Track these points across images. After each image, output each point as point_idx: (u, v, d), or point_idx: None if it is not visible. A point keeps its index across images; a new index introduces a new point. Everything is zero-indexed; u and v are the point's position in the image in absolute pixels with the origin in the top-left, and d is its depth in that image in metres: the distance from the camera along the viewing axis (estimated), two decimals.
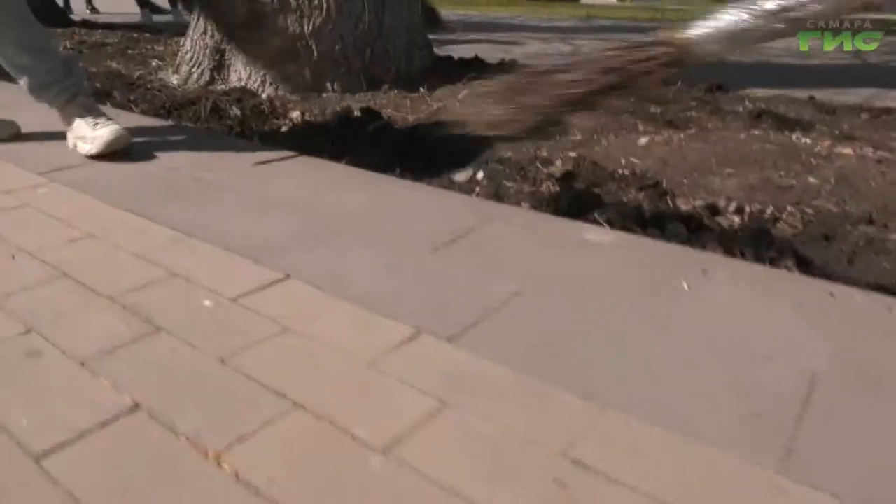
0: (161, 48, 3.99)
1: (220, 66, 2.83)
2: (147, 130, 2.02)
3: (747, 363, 0.87)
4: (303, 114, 2.33)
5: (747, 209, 1.44)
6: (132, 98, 2.56)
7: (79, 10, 7.00)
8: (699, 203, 1.46)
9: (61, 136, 1.82)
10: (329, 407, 0.78)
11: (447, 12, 7.66)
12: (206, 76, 2.83)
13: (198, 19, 2.93)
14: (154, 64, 3.41)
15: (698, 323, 0.97)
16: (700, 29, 1.11)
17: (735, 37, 1.09)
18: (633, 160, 1.79)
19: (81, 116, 1.76)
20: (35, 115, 1.91)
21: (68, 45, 4.04)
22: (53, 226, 1.29)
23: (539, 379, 0.83)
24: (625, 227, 1.36)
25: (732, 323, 0.96)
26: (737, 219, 1.39)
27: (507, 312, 0.99)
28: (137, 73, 3.13)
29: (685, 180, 1.63)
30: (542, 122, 1.23)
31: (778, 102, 2.59)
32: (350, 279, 1.09)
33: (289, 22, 2.67)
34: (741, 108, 2.46)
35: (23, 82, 1.78)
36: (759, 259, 1.20)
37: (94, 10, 7.30)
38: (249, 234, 1.27)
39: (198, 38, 2.89)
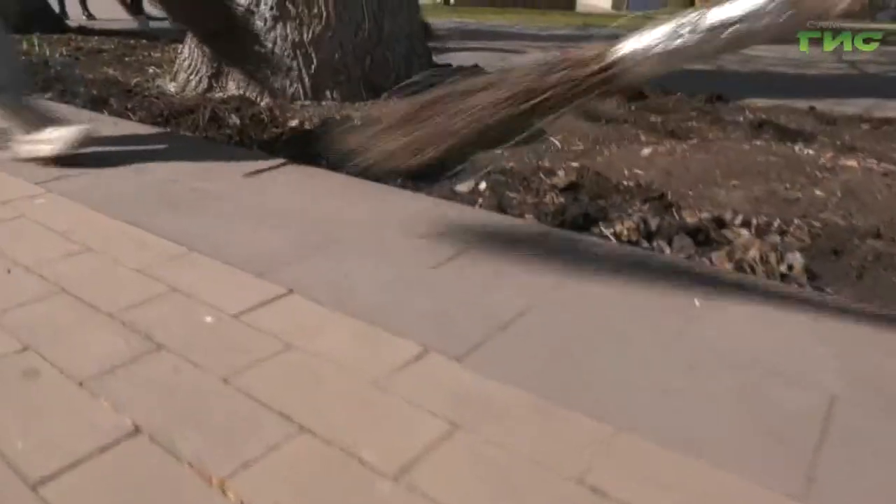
0: (158, 55, 3.97)
1: (218, 74, 2.80)
2: (145, 139, 2.00)
3: (763, 383, 0.85)
4: (302, 122, 2.31)
5: (754, 222, 1.43)
6: (129, 106, 2.53)
7: (75, 15, 6.97)
8: (705, 216, 1.45)
9: None
10: (336, 429, 0.76)
11: (443, 21, 7.67)
12: (204, 84, 2.81)
13: None
14: (151, 71, 3.38)
15: (710, 341, 0.95)
16: (632, 45, 0.97)
17: (671, 55, 0.95)
18: (637, 171, 1.77)
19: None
20: None
21: (64, 52, 4.01)
22: (51, 238, 1.27)
23: (551, 400, 0.81)
24: (631, 241, 1.35)
25: (745, 341, 0.95)
26: (744, 232, 1.38)
27: (516, 330, 0.97)
28: (134, 81, 3.10)
29: (690, 192, 1.62)
30: (447, 154, 1.06)
31: (778, 113, 2.59)
32: (353, 293, 1.07)
33: (288, 30, 2.66)
34: (741, 119, 2.46)
35: None
36: (769, 274, 1.19)
37: (90, 16, 7.26)
38: (250, 245, 1.25)
39: (195, 45, 2.87)
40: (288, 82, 2.68)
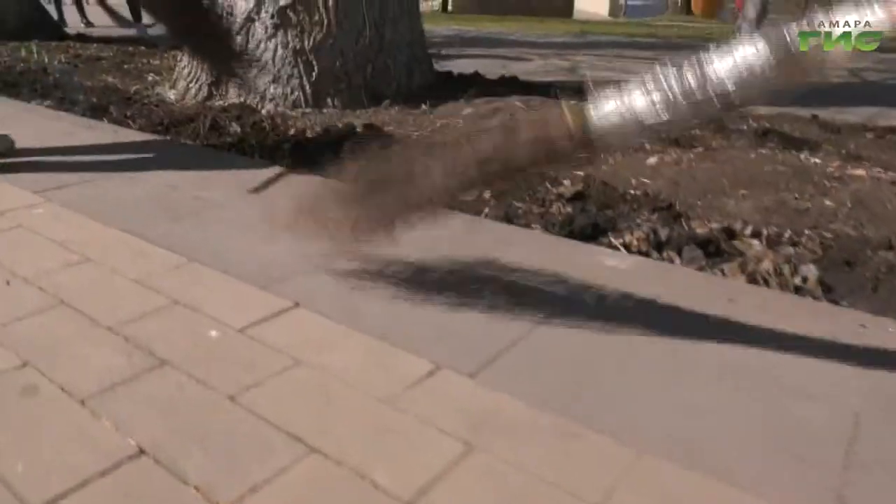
0: (157, 62, 3.95)
1: (218, 82, 2.78)
2: (145, 147, 1.97)
3: (784, 401, 0.83)
4: (304, 130, 2.29)
5: (764, 233, 1.40)
6: (129, 114, 2.51)
7: (73, 23, 6.95)
8: (715, 226, 1.43)
9: (57, 151, 1.77)
10: (347, 451, 0.73)
11: (442, 28, 7.68)
12: (204, 91, 2.79)
13: None
14: (150, 78, 3.36)
15: (729, 355, 0.92)
16: (601, 110, 0.84)
17: (643, 129, 0.82)
18: (644, 180, 1.75)
19: None
20: (30, 129, 1.86)
21: (63, 59, 3.99)
22: (50, 249, 1.24)
23: (567, 417, 0.79)
24: (641, 251, 1.33)
25: (764, 357, 0.92)
26: (755, 243, 1.36)
27: (528, 345, 0.95)
28: (134, 88, 3.08)
29: (699, 202, 1.60)
30: (398, 225, 0.98)
31: (782, 121, 2.57)
32: (360, 306, 1.05)
33: (289, 37, 2.64)
34: (745, 127, 2.44)
35: None
36: (783, 287, 1.17)
37: (89, 23, 7.24)
38: (252, 256, 1.22)
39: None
40: (289, 90, 2.67)
